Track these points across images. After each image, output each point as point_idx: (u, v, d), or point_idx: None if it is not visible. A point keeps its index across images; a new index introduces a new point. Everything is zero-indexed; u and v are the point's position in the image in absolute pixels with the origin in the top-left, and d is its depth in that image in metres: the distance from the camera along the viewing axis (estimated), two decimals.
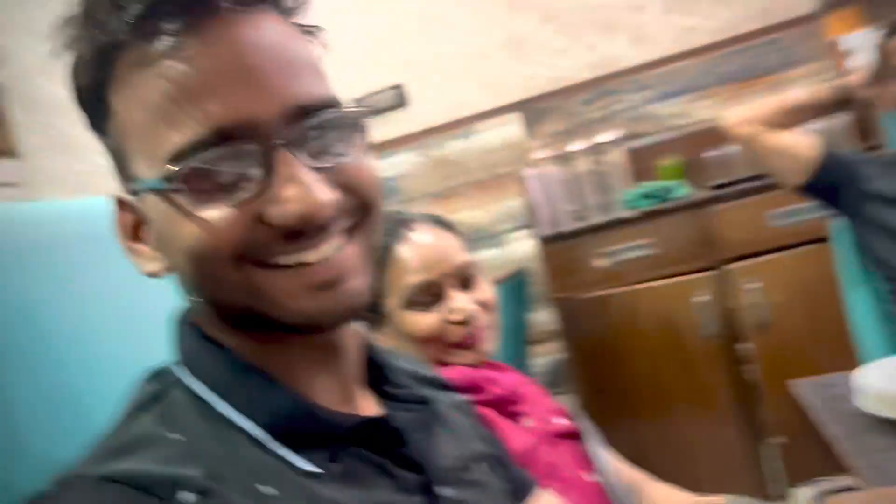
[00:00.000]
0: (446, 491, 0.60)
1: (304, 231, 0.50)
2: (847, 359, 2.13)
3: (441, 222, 1.08)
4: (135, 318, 0.73)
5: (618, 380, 2.38)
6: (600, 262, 2.38)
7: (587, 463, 0.99)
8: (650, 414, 2.35)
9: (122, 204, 0.57)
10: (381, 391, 0.65)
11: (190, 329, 0.58)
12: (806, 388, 1.12)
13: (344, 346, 0.60)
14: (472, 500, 0.63)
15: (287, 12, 0.55)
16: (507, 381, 1.01)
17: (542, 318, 2.86)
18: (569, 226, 2.55)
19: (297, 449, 0.53)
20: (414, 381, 0.70)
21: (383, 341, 1.05)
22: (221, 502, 0.47)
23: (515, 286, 2.68)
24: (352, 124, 0.54)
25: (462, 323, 1.00)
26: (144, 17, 0.49)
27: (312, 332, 0.54)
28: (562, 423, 1.03)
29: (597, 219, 2.55)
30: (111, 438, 0.51)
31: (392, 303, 1.01)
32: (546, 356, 2.88)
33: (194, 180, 0.49)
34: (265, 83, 0.49)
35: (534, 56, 2.83)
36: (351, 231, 0.54)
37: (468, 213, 2.93)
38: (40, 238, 0.69)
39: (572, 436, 1.02)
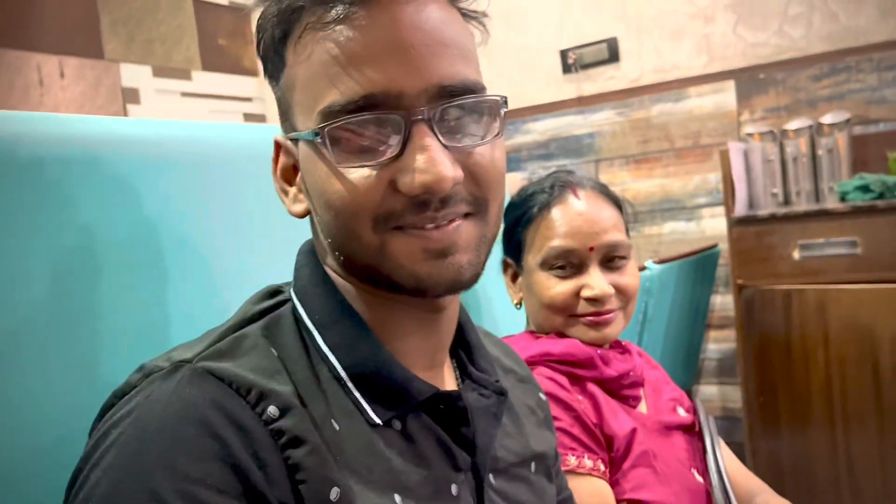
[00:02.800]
0: (494, 479, 0.62)
1: (428, 201, 0.55)
2: None
3: (608, 193, 1.06)
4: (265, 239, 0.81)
5: (794, 382, 2.22)
6: (796, 254, 2.19)
7: (699, 460, 0.96)
8: (824, 424, 2.17)
9: (280, 147, 0.63)
10: (464, 369, 0.68)
11: (313, 263, 0.64)
12: None
13: (444, 317, 0.64)
14: (515, 494, 0.65)
15: None
16: (625, 363, 0.98)
17: (724, 302, 2.71)
18: (768, 209, 2.37)
19: (372, 398, 0.58)
20: (499, 369, 0.72)
21: (513, 292, 1.08)
22: (299, 422, 0.53)
23: (703, 263, 2.56)
24: (490, 111, 0.58)
25: (594, 301, 0.98)
26: None
27: (421, 296, 0.58)
28: (681, 415, 1.00)
29: (801, 206, 2.35)
30: (221, 337, 0.58)
31: (532, 259, 1.02)
32: (721, 342, 2.74)
33: (341, 138, 0.55)
34: (416, 61, 0.54)
35: (764, 21, 2.60)
36: (467, 217, 0.58)
37: (663, 181, 2.81)
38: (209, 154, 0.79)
39: (689, 430, 0.99)
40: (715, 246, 2.62)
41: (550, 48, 2.97)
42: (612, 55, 2.86)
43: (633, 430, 0.90)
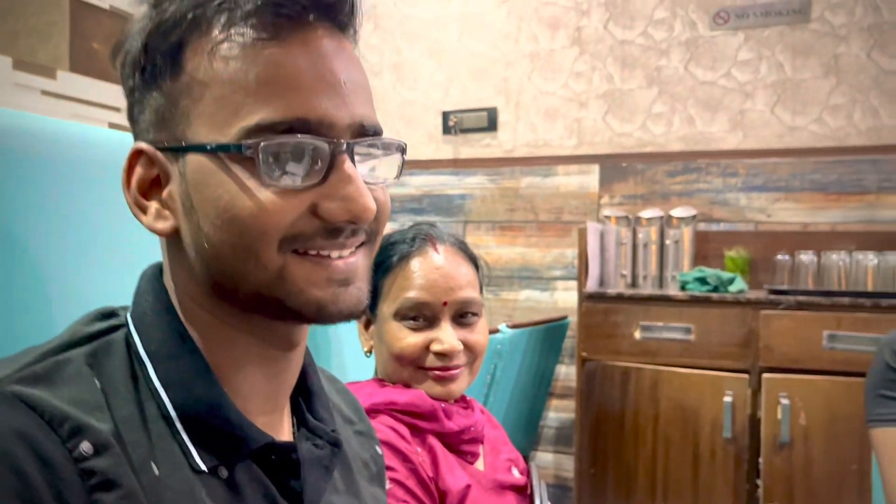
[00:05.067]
0: None
1: (342, 229, 0.56)
2: None
3: (466, 251, 1.08)
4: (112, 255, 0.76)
5: (624, 455, 2.33)
6: (637, 334, 2.33)
7: None
8: (646, 497, 2.29)
9: (139, 157, 0.58)
10: (301, 416, 0.66)
11: (157, 289, 0.60)
12: None
13: (293, 357, 0.63)
14: None
15: (353, 38, 0.61)
16: (467, 419, 1.00)
17: (568, 372, 2.82)
18: (617, 289, 2.51)
19: (200, 442, 0.55)
20: (338, 417, 0.71)
21: (364, 339, 1.07)
22: (114, 464, 0.49)
23: (552, 333, 2.66)
24: (396, 153, 0.61)
25: (442, 355, 0.99)
26: (258, 6, 0.54)
27: (320, 322, 0.57)
28: (515, 476, 1.02)
29: (645, 290, 2.51)
30: (41, 358, 0.53)
31: (386, 308, 1.02)
32: (561, 412, 2.84)
33: (269, 155, 0.53)
34: (346, 97, 0.56)
35: (631, 114, 2.81)
36: (361, 246, 0.60)
37: (524, 250, 2.92)
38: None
39: (521, 491, 1.01)
40: (565, 318, 2.74)
41: (434, 108, 3.05)
42: (491, 124, 2.98)
43: (468, 487, 0.91)
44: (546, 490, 1.01)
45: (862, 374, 1.54)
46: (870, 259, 2.29)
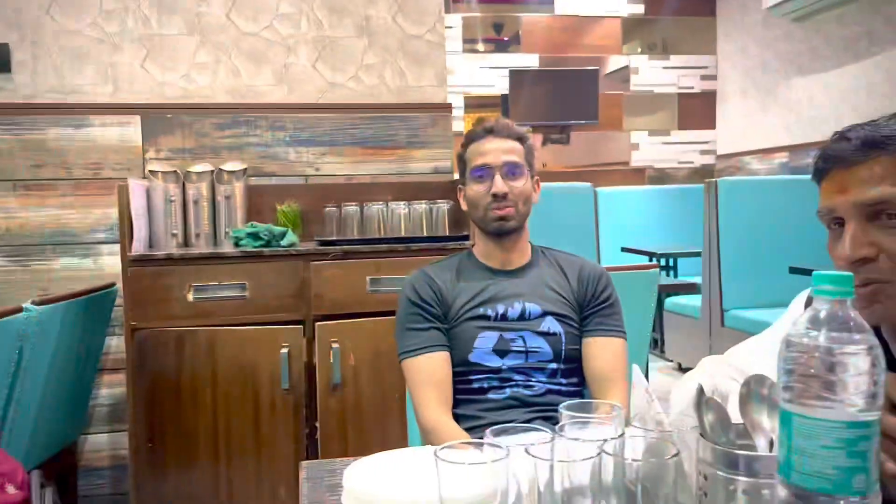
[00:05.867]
0: None
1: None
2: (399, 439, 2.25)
3: None
4: None
5: (183, 423, 2.22)
6: (190, 296, 2.22)
7: None
8: (209, 462, 2.22)
9: None
10: None
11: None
12: (308, 470, 1.09)
13: None
14: None
15: None
16: None
17: (120, 344, 2.58)
18: (166, 250, 2.36)
19: None
20: None
21: None
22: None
23: (96, 303, 2.38)
24: None
25: None
26: None
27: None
28: (9, 493, 0.85)
29: (198, 249, 2.40)
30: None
31: None
32: (114, 387, 2.60)
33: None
34: None
35: (174, 62, 2.62)
36: None
37: (56, 212, 2.56)
38: None
39: None
40: (112, 285, 2.49)
41: None
42: (2, 64, 2.50)
43: None
44: (52, 495, 0.86)
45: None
46: (402, 208, 2.53)
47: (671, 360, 4.66)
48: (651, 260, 4.27)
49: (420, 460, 0.97)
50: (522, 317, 1.59)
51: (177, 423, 2.21)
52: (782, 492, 0.63)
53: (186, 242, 2.51)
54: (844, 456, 0.59)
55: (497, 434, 0.80)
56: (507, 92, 5.51)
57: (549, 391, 1.58)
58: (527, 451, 0.73)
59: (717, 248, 3.80)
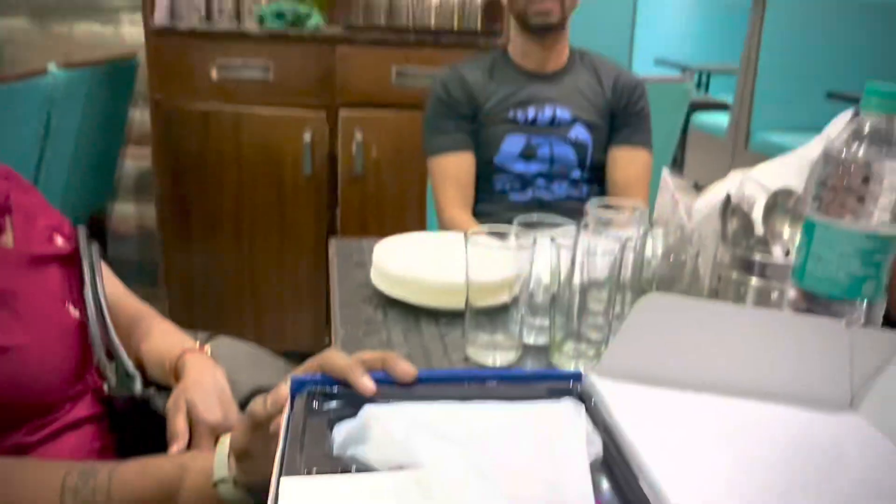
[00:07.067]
0: None
1: None
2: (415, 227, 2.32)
3: None
4: None
5: (207, 201, 2.28)
6: (214, 73, 2.19)
7: (76, 293, 0.89)
8: (232, 239, 2.32)
9: None
10: None
11: None
12: (338, 246, 1.15)
13: None
14: None
15: None
16: None
17: (144, 118, 2.59)
18: (189, 23, 2.29)
19: None
20: None
21: None
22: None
23: (118, 73, 2.36)
24: None
25: None
26: None
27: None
28: (58, 244, 0.90)
29: (221, 24, 2.33)
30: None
31: None
32: (139, 160, 2.65)
33: None
34: None
35: None
36: None
37: None
38: None
39: (68, 260, 0.90)
40: (133, 55, 2.44)
41: None
42: None
43: None
44: (98, 252, 0.92)
45: (423, 108, 1.68)
46: None
47: (689, 179, 4.66)
48: (684, 73, 4.13)
49: (446, 243, 1.01)
50: (552, 123, 1.57)
51: (202, 199, 2.28)
52: (793, 293, 0.66)
53: (209, 16, 2.43)
54: (860, 265, 0.62)
55: (523, 225, 0.83)
56: None
57: (570, 197, 1.60)
58: (552, 239, 0.76)
59: (755, 65, 3.66)
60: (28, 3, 2.46)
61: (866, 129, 0.62)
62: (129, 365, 0.86)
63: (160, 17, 2.23)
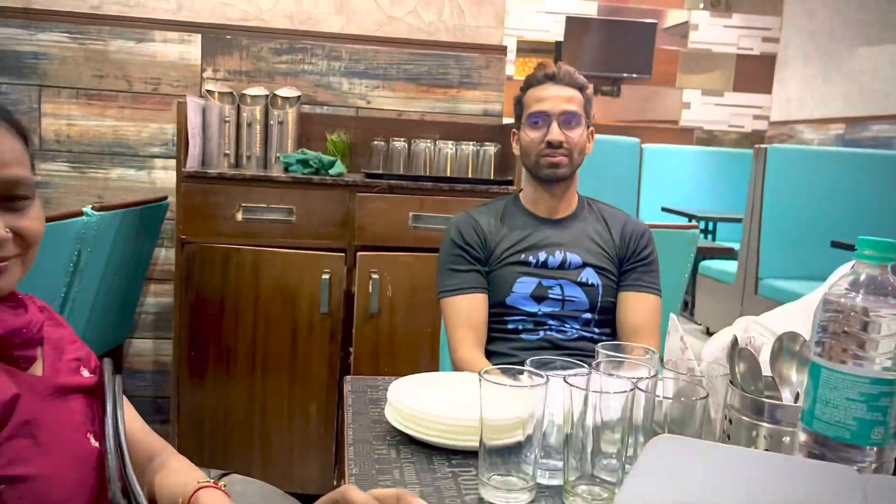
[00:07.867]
0: None
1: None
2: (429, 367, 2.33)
3: (11, 120, 0.88)
4: None
5: (224, 337, 2.32)
6: (239, 215, 2.29)
7: (98, 424, 0.90)
8: (245, 376, 2.33)
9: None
10: None
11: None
12: (353, 384, 1.16)
13: None
14: None
15: None
16: (18, 319, 0.86)
17: (168, 256, 2.69)
18: (219, 168, 2.42)
19: None
20: None
21: None
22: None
23: (149, 214, 2.48)
24: None
25: None
26: None
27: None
28: (84, 376, 0.93)
29: (249, 170, 2.46)
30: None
31: None
32: (160, 296, 2.71)
33: None
34: None
35: None
36: None
37: (117, 124, 2.63)
38: None
39: (91, 392, 0.92)
40: (164, 198, 2.57)
41: None
42: None
43: (15, 397, 0.80)
44: (120, 384, 0.94)
45: (438, 251, 1.75)
46: (449, 147, 2.56)
47: (700, 324, 4.68)
48: (690, 222, 4.25)
49: (460, 382, 1.03)
50: (562, 266, 1.63)
51: (218, 336, 2.32)
52: (803, 437, 0.67)
53: (237, 163, 2.58)
54: (866, 409, 0.63)
55: (536, 365, 0.86)
56: (561, 38, 5.42)
57: (582, 338, 1.62)
58: (565, 380, 0.78)
59: (760, 214, 3.77)
60: (69, 149, 2.62)
61: (862, 277, 0.66)
62: (143, 500, 0.86)
63: (192, 163, 2.36)
